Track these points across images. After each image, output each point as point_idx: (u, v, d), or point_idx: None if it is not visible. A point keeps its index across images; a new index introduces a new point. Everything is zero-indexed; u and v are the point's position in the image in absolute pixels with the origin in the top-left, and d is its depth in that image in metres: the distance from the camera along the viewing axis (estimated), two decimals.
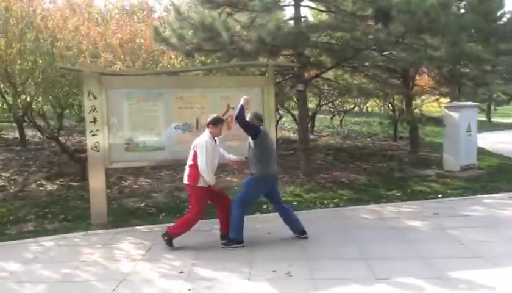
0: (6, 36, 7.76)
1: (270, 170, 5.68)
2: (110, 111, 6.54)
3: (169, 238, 5.48)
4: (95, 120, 6.42)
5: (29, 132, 12.99)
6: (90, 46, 8.41)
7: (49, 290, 4.36)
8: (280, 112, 14.65)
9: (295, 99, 11.35)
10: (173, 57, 9.29)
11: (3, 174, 9.37)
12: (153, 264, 5.01)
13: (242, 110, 5.60)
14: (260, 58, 8.97)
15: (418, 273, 4.57)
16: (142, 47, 8.99)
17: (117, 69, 8.29)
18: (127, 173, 9.38)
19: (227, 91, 7.18)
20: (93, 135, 6.40)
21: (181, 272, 4.73)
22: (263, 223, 6.54)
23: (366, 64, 10.38)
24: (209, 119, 5.59)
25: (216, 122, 5.57)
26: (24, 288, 4.40)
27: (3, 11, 7.70)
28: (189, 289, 4.32)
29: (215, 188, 5.52)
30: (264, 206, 7.42)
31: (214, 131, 5.54)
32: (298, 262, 4.98)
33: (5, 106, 9.09)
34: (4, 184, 8.70)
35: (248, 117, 5.80)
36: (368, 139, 16.75)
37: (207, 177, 5.36)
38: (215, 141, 5.57)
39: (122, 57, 8.68)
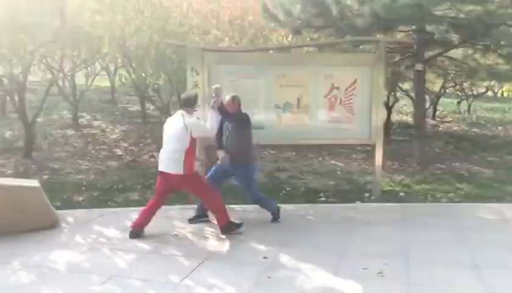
0: (125, 13, 8.14)
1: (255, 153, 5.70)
2: (211, 87, 6.50)
3: (228, 229, 5.18)
4: (196, 96, 6.43)
5: (151, 106, 13.85)
6: (200, 23, 8.50)
7: (136, 260, 4.47)
8: (398, 93, 13.64)
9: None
10: (283, 34, 9.02)
11: (122, 145, 10.07)
12: (239, 245, 4.89)
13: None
14: (375, 35, 8.28)
15: None
16: (251, 23, 8.85)
17: (225, 46, 8.28)
18: None
19: (331, 69, 6.74)
20: (194, 111, 6.43)
21: (265, 257, 4.54)
22: (362, 213, 6.08)
23: (502, 42, 9.06)
24: (184, 98, 5.22)
25: (193, 101, 5.19)
26: (116, 255, 4.57)
27: None
28: (269, 277, 4.11)
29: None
30: (367, 194, 6.92)
31: (191, 111, 5.13)
32: (395, 260, 4.48)
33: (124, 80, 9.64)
34: (121, 153, 9.33)
35: (233, 102, 5.44)
36: (499, 128, 14.93)
37: (215, 126, 5.20)
38: None
39: (230, 33, 8.65)
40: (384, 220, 5.87)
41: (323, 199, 6.81)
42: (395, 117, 15.35)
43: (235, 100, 5.49)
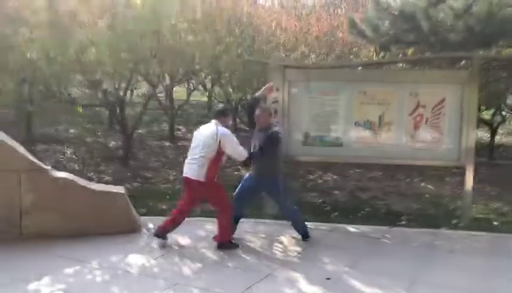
0: (215, 32, 8.54)
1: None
2: (291, 103, 6.55)
3: (225, 247, 5.13)
4: (276, 112, 6.53)
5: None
6: (287, 40, 8.63)
7: (201, 269, 4.62)
8: (504, 113, 12.54)
9: None
10: (371, 50, 8.82)
11: None
12: (304, 263, 4.82)
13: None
14: (470, 51, 7.75)
15: None
16: (339, 40, 8.78)
17: (311, 62, 8.30)
18: (316, 166, 9.36)
19: (418, 87, 6.42)
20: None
21: (328, 278, 4.42)
22: (445, 241, 5.65)
23: None
24: (219, 109, 5.32)
25: (228, 113, 5.32)
26: (184, 263, 4.76)
27: (213, 10, 8.49)
28: None
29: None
30: (454, 221, 6.43)
31: (225, 123, 5.15)
32: None
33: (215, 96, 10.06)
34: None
35: (264, 114, 5.30)
36: None
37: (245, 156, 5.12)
38: None
39: (318, 50, 8.65)
40: (469, 249, 5.41)
41: (404, 222, 6.45)
42: (502, 139, 14.11)
43: (266, 112, 5.38)
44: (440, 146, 6.39)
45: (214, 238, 5.28)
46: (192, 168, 5.01)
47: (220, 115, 5.19)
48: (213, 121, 5.14)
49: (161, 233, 5.20)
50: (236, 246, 5.21)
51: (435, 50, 7.66)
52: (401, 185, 8.68)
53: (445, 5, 7.42)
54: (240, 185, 5.55)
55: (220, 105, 5.61)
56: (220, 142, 4.92)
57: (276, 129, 5.42)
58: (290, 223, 5.56)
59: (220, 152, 5.01)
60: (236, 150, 5.07)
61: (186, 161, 5.19)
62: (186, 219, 5.52)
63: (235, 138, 5.09)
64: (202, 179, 4.96)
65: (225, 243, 5.18)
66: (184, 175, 5.15)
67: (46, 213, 5.26)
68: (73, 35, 7.66)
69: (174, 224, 5.27)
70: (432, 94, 6.39)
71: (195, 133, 5.27)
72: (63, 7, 7.59)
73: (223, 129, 5.01)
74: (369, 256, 5.09)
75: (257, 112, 5.37)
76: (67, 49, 7.59)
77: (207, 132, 5.04)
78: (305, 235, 5.48)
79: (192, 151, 5.11)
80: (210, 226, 5.63)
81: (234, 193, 5.48)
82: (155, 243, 5.27)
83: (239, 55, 8.59)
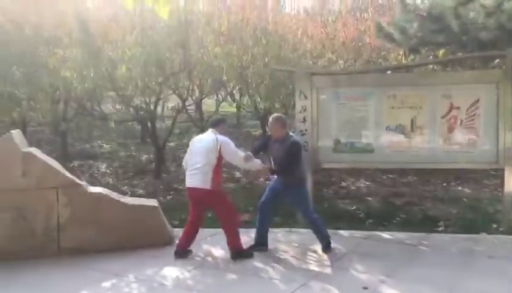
0: (241, 43, 8.60)
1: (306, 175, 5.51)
2: (320, 110, 6.51)
3: (239, 254, 5.12)
4: (304, 120, 6.49)
5: None
6: (314, 47, 8.61)
7: (235, 280, 4.62)
8: None
9: None
10: (400, 54, 8.69)
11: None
12: (339, 272, 4.75)
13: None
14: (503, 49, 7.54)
15: None
16: (367, 44, 8.69)
17: (338, 69, 8.23)
18: (348, 173, 9.24)
19: (450, 88, 6.28)
20: (302, 134, 6.47)
21: (365, 288, 4.34)
22: (485, 246, 5.47)
23: None
24: (216, 119, 5.35)
25: (224, 122, 5.31)
26: (217, 275, 4.78)
27: (240, 21, 8.56)
28: None
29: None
30: (494, 225, 6.22)
31: (222, 131, 5.12)
32: None
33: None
34: (239, 176, 9.73)
35: (277, 126, 5.09)
36: None
37: (253, 165, 5.17)
38: None
39: (345, 55, 8.59)
40: (510, 254, 5.20)
41: (441, 228, 6.28)
42: None
43: (279, 121, 5.15)
44: (477, 148, 6.21)
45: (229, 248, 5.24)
46: (196, 177, 5.02)
47: (216, 124, 5.23)
48: (210, 130, 5.18)
49: (180, 252, 5.24)
50: (250, 255, 5.18)
51: (466, 50, 7.49)
52: (437, 189, 8.45)
53: (475, 3, 7.26)
54: (264, 195, 5.49)
55: (214, 117, 5.63)
56: (220, 149, 4.96)
57: (293, 138, 5.22)
58: (313, 232, 5.40)
59: (220, 159, 5.03)
60: (235, 156, 5.11)
61: (187, 173, 5.21)
62: (217, 230, 5.55)
63: (233, 145, 5.12)
64: (208, 187, 4.97)
65: (239, 251, 5.15)
66: (188, 186, 5.17)
67: (82, 228, 5.37)
68: (104, 52, 7.88)
69: (188, 239, 5.28)
70: (465, 95, 6.23)
71: (191, 144, 5.29)
72: (94, 26, 7.82)
73: (222, 137, 5.06)
74: (406, 264, 4.97)
75: (269, 122, 5.29)
76: (98, 67, 7.79)
77: (206, 140, 5.08)
78: (325, 248, 5.26)
79: (193, 161, 5.10)
80: (245, 237, 5.62)
81: (259, 203, 5.44)
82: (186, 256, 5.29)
83: (266, 64, 8.61)
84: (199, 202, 5.18)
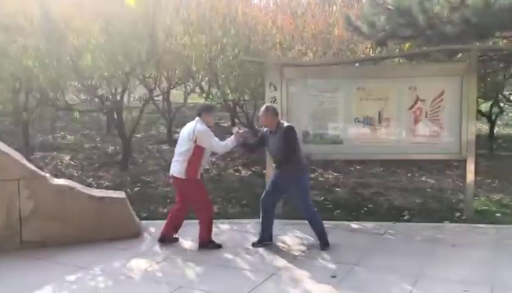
0: (211, 33, 8.49)
1: (306, 162, 5.30)
2: (289, 102, 6.52)
3: (206, 246, 5.16)
4: None
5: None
6: (284, 38, 8.59)
7: (205, 271, 4.58)
8: (504, 105, 12.53)
9: None
10: (368, 46, 8.77)
11: (210, 159, 10.42)
12: (309, 262, 4.78)
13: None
14: (467, 43, 7.73)
15: None
16: (336, 37, 8.74)
17: (307, 60, 8.25)
18: (316, 164, 9.32)
19: (416, 81, 6.40)
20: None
21: (333, 276, 4.38)
22: (449, 234, 5.63)
23: None
24: (201, 107, 5.25)
25: (209, 110, 5.16)
26: (187, 266, 4.72)
27: (208, 11, 8.44)
28: None
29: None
30: (457, 214, 6.41)
31: (207, 120, 5.08)
32: (477, 288, 4.09)
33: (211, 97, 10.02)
34: (208, 167, 9.65)
35: (267, 114, 5.05)
36: None
37: (228, 146, 5.14)
38: None
39: (314, 47, 8.61)
40: (472, 242, 5.38)
41: (407, 217, 6.42)
42: (501, 130, 14.10)
43: (270, 110, 5.09)
44: (441, 139, 6.37)
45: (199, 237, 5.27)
46: (175, 166, 5.12)
47: (202, 112, 5.15)
48: (196, 119, 5.16)
49: (162, 238, 5.29)
50: (218, 246, 5.20)
51: (432, 44, 7.62)
52: (402, 180, 8.65)
53: None
54: (266, 189, 5.38)
55: (203, 104, 5.53)
56: (196, 138, 4.96)
57: (286, 124, 5.11)
58: (310, 225, 5.23)
59: (199, 149, 5.02)
60: (213, 144, 5.07)
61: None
62: (191, 221, 5.50)
63: (212, 134, 5.09)
64: (182, 176, 5.04)
65: (206, 242, 5.18)
66: (170, 174, 5.25)
67: (46, 221, 5.21)
68: (68, 41, 7.62)
69: (172, 227, 5.33)
70: (431, 87, 6.37)
71: (180, 132, 5.33)
72: (56, 13, 7.54)
73: (200, 126, 5.02)
74: (374, 252, 5.05)
75: (260, 113, 5.20)
76: (62, 55, 7.54)
77: (187, 129, 5.11)
78: (323, 245, 5.11)
79: (176, 149, 5.22)
80: (213, 229, 5.58)
81: (261, 198, 5.29)
82: (157, 247, 5.23)
83: (235, 55, 8.54)
84: (180, 191, 5.25)
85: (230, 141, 5.15)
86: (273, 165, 5.31)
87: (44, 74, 7.60)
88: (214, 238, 5.29)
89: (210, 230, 5.21)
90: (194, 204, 5.27)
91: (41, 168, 5.85)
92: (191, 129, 5.05)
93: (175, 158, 5.17)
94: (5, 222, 5.12)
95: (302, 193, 5.13)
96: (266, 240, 5.28)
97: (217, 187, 8.10)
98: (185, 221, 5.98)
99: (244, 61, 8.28)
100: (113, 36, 7.64)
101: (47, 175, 5.49)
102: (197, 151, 5.04)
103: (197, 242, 5.24)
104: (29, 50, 7.49)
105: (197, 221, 5.28)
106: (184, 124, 5.37)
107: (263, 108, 5.20)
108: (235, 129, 5.30)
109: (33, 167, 5.38)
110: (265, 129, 5.25)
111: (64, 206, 5.29)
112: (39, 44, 7.49)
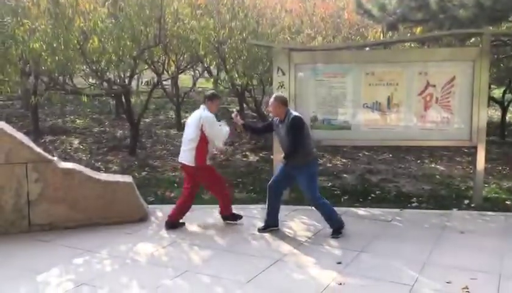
0: (219, 17, 8.41)
1: (316, 152, 5.24)
2: (297, 87, 6.45)
3: (228, 219, 5.43)
4: None
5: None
6: (293, 23, 8.48)
7: (211, 256, 4.58)
8: None
9: None
10: (379, 30, 8.64)
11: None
12: (314, 248, 4.77)
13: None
14: (480, 27, 7.58)
15: None
16: (346, 21, 8.61)
17: (317, 45, 8.15)
18: (324, 150, 9.27)
19: (426, 66, 6.29)
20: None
21: (339, 262, 4.37)
22: (457, 221, 5.58)
23: None
24: (206, 94, 5.28)
25: (213, 98, 5.17)
26: (193, 250, 4.73)
27: None
28: (340, 284, 3.94)
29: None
30: (466, 201, 6.34)
31: (212, 107, 5.12)
32: (484, 276, 4.05)
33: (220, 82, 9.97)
34: (216, 152, 9.64)
35: (275, 103, 5.00)
36: None
37: (224, 135, 5.25)
38: None
39: (324, 32, 8.50)
40: (481, 229, 5.33)
41: (415, 204, 6.37)
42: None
43: (277, 99, 5.03)
44: (451, 126, 6.29)
45: (219, 212, 5.51)
46: (185, 153, 5.22)
47: (206, 100, 5.22)
48: (202, 106, 5.22)
49: (171, 223, 5.32)
50: (239, 217, 5.47)
51: (444, 28, 7.49)
52: (411, 166, 8.57)
53: None
54: (274, 175, 5.36)
55: (209, 91, 5.54)
56: (202, 126, 5.05)
57: (294, 114, 5.02)
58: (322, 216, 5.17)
59: (204, 135, 5.09)
60: (215, 133, 5.13)
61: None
62: (199, 206, 5.52)
63: (216, 122, 5.16)
64: (192, 164, 5.14)
65: (229, 215, 5.43)
66: (179, 161, 5.35)
67: (53, 204, 5.24)
68: (75, 24, 7.59)
69: (180, 212, 5.37)
70: (442, 72, 6.26)
71: (187, 120, 5.39)
72: None
73: (207, 113, 5.11)
74: (380, 238, 5.02)
75: (269, 102, 5.17)
76: (69, 39, 7.51)
77: (194, 117, 5.22)
78: (335, 232, 5.04)
79: (184, 137, 5.32)
80: (217, 214, 5.58)
81: (269, 184, 5.24)
82: (164, 231, 5.25)
83: (243, 39, 8.46)
84: (190, 177, 5.32)
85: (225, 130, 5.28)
86: (282, 154, 5.26)
87: (52, 57, 7.59)
88: (218, 222, 5.40)
89: (229, 204, 5.44)
90: (210, 187, 5.52)
91: (50, 152, 5.88)
92: (197, 117, 5.12)
93: (183, 146, 5.27)
94: (14, 205, 5.16)
95: (308, 183, 5.05)
96: (272, 225, 5.27)
97: (224, 172, 8.06)
98: (192, 206, 6.01)
99: (252, 46, 8.20)
100: (121, 20, 7.59)
101: (55, 158, 5.51)
102: (205, 138, 5.10)
103: (203, 228, 5.31)
104: (37, 33, 7.47)
105: (203, 206, 5.29)
106: (193, 109, 5.40)
107: (272, 97, 5.15)
108: (234, 113, 5.38)
109: (41, 151, 5.40)
110: (275, 118, 5.21)
111: (72, 189, 5.31)
112: (46, 27, 7.47)
